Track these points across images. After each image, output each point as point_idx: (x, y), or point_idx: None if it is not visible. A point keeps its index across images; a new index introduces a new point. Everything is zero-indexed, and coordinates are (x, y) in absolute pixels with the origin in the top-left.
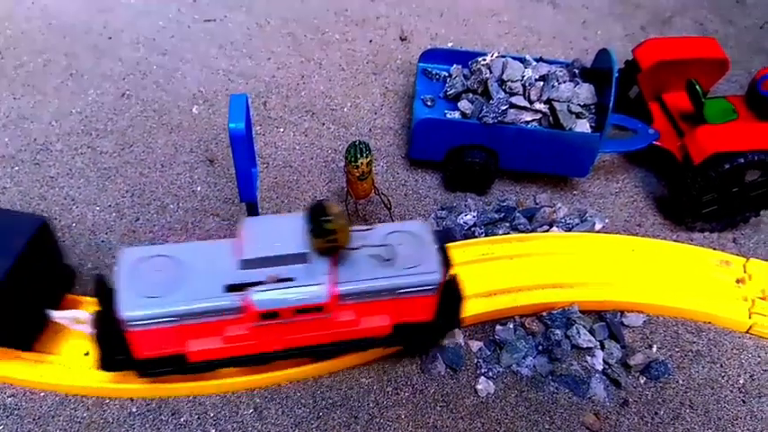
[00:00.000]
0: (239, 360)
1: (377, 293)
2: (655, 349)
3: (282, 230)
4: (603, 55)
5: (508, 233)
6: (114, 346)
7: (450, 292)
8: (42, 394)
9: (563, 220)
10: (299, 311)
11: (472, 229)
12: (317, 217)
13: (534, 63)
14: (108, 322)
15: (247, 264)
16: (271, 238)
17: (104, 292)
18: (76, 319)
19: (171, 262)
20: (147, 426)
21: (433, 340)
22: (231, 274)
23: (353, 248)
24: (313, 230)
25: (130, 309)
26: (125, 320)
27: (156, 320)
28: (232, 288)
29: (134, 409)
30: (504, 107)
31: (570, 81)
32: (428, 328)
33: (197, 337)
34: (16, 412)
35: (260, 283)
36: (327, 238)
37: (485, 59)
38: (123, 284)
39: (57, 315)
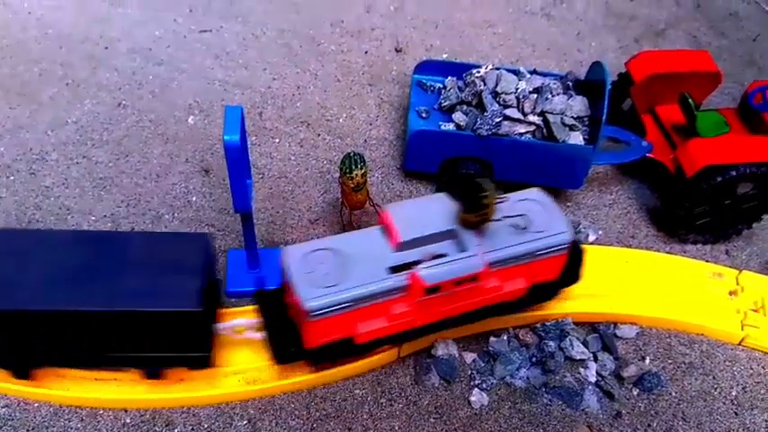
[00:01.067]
0: (399, 336)
1: (518, 258)
2: (648, 361)
3: (427, 212)
4: (597, 67)
5: None
6: (285, 339)
7: (572, 248)
8: (36, 405)
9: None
10: (457, 283)
11: None
12: (475, 193)
13: (528, 75)
14: (275, 319)
15: (404, 246)
16: (418, 219)
17: (265, 294)
18: (235, 328)
19: (332, 254)
20: None
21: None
22: (390, 257)
23: (496, 220)
24: (469, 205)
25: (314, 300)
26: (309, 312)
27: (335, 308)
28: (395, 269)
29: (128, 420)
30: (498, 119)
31: (564, 93)
32: (556, 284)
33: (365, 320)
34: (10, 423)
35: (418, 262)
36: (480, 212)
37: (479, 72)
38: (298, 280)
39: (220, 327)
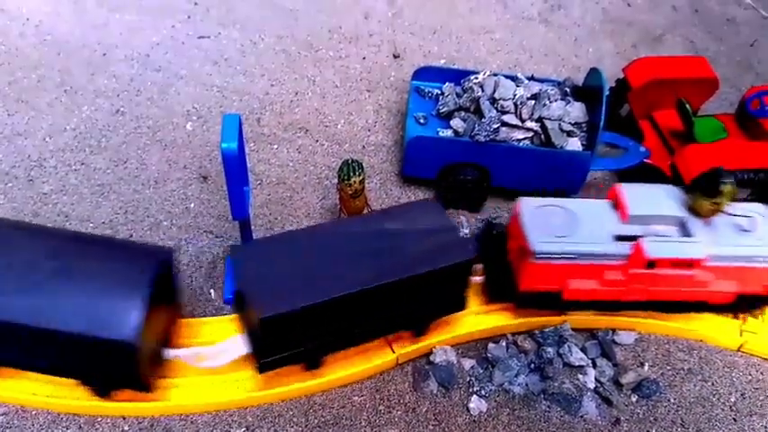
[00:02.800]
0: (600, 304)
1: (736, 259)
2: (646, 367)
3: (657, 195)
4: (594, 74)
5: None
6: (500, 279)
7: None
8: (34, 412)
9: None
10: (674, 264)
11: None
12: (716, 178)
13: (526, 81)
14: (494, 261)
15: (632, 219)
16: (648, 200)
17: (490, 236)
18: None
19: (563, 211)
20: None
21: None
22: (616, 227)
23: (730, 214)
24: (707, 190)
25: (542, 244)
26: (535, 253)
27: (557, 256)
28: (619, 239)
29: (126, 428)
30: (495, 125)
31: (561, 99)
32: (763, 299)
33: (578, 278)
34: (8, 430)
35: (640, 237)
36: (714, 200)
37: (477, 78)
38: (530, 224)
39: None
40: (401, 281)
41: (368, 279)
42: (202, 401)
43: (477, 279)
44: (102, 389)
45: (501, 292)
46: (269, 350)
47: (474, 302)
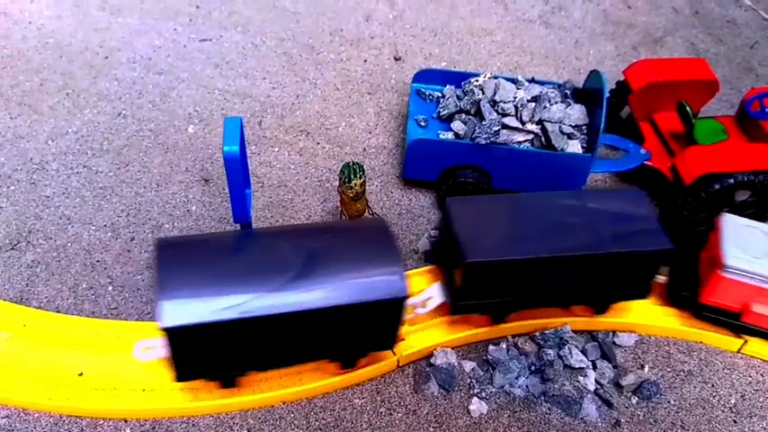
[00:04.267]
0: None
1: None
2: (646, 369)
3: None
4: (594, 76)
5: None
6: (683, 284)
7: None
8: (36, 415)
9: None
10: None
11: None
12: None
13: (526, 84)
14: (684, 264)
15: None
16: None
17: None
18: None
19: (764, 236)
20: None
21: None
22: None
23: None
24: None
25: (735, 259)
26: (726, 266)
27: (749, 275)
28: None
29: (128, 431)
30: (496, 128)
31: (562, 102)
32: None
33: (763, 303)
34: None
35: None
36: None
37: (477, 80)
38: (728, 240)
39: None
40: (595, 256)
41: (565, 248)
42: (204, 404)
43: (660, 278)
44: (352, 360)
45: (682, 298)
46: (467, 295)
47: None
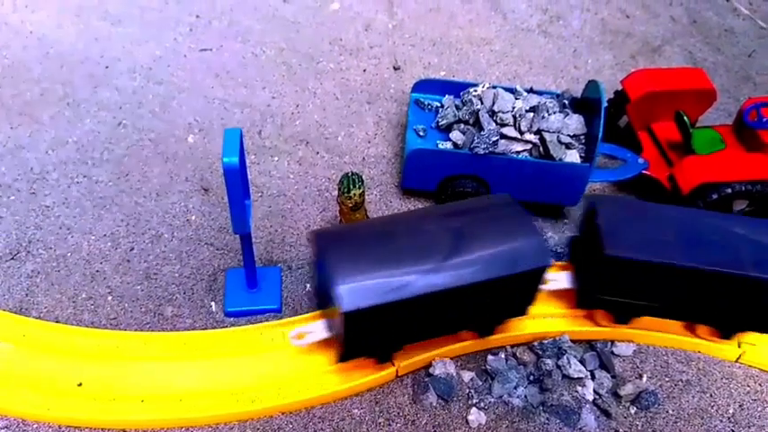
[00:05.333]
0: None
1: None
2: (645, 379)
3: None
4: (592, 86)
5: None
6: None
7: None
8: (35, 425)
9: (553, 250)
10: None
11: None
12: None
13: (525, 94)
14: None
15: None
16: None
17: None
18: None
19: None
20: None
21: None
22: None
23: None
24: None
25: None
26: None
27: None
28: None
29: None
30: (494, 138)
31: (560, 112)
32: None
33: None
34: None
35: None
36: None
37: (476, 90)
38: None
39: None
40: (726, 274)
41: (701, 262)
42: (202, 414)
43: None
44: (490, 329)
45: None
46: (598, 289)
47: None
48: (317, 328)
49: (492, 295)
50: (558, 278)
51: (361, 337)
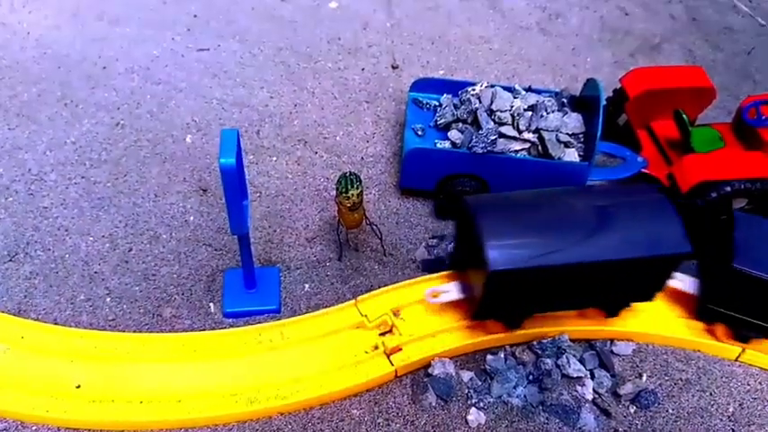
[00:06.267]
0: None
1: None
2: (644, 378)
3: None
4: (591, 84)
5: None
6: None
7: None
8: (34, 427)
9: None
10: None
11: None
12: None
13: (523, 93)
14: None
15: None
16: None
17: None
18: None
19: None
20: None
21: None
22: None
23: None
24: None
25: None
26: None
27: None
28: None
29: None
30: (493, 137)
31: (559, 110)
32: None
33: None
34: None
35: None
36: None
37: (474, 89)
38: None
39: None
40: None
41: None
42: (202, 415)
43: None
44: (617, 310)
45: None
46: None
47: None
48: (452, 288)
49: (628, 275)
50: None
51: (499, 299)
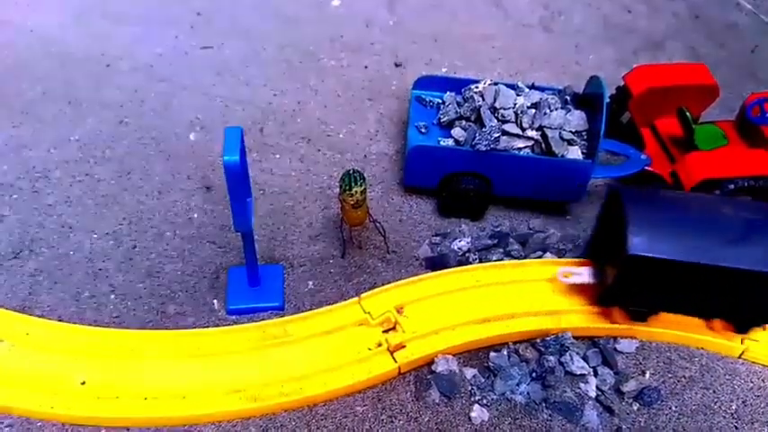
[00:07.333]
0: None
1: None
2: (648, 375)
3: None
4: (594, 81)
5: (502, 259)
6: None
7: None
8: (39, 424)
9: (556, 246)
10: None
11: (466, 254)
12: None
13: (526, 90)
14: None
15: None
16: None
17: None
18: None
19: None
20: None
21: None
22: None
23: None
24: None
25: None
26: None
27: None
28: None
29: None
30: (496, 135)
31: (562, 108)
32: None
33: None
34: None
35: None
36: None
37: (477, 87)
38: None
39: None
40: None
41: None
42: (205, 412)
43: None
44: (748, 327)
45: None
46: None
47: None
48: (584, 272)
49: (763, 291)
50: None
51: (630, 286)
